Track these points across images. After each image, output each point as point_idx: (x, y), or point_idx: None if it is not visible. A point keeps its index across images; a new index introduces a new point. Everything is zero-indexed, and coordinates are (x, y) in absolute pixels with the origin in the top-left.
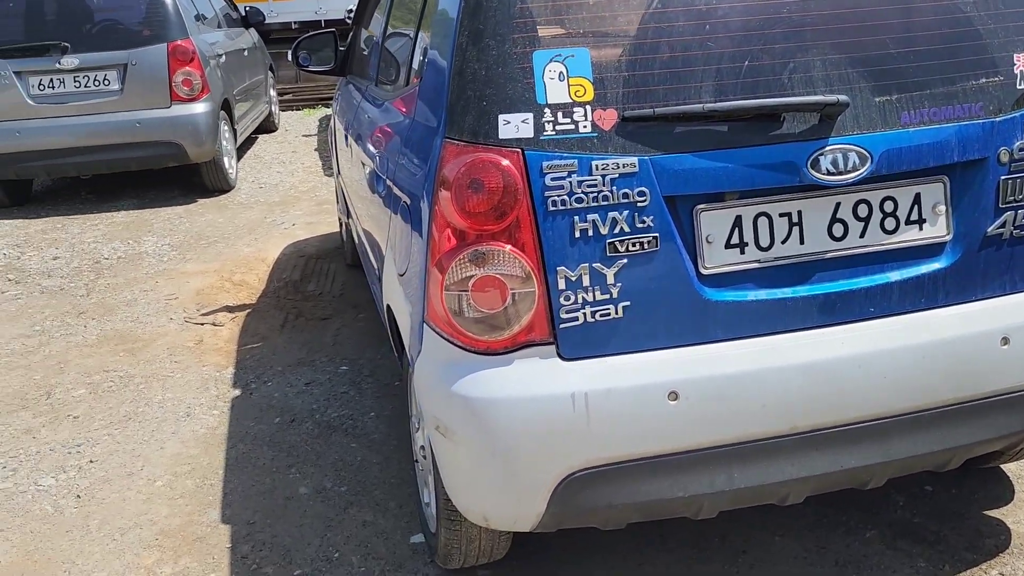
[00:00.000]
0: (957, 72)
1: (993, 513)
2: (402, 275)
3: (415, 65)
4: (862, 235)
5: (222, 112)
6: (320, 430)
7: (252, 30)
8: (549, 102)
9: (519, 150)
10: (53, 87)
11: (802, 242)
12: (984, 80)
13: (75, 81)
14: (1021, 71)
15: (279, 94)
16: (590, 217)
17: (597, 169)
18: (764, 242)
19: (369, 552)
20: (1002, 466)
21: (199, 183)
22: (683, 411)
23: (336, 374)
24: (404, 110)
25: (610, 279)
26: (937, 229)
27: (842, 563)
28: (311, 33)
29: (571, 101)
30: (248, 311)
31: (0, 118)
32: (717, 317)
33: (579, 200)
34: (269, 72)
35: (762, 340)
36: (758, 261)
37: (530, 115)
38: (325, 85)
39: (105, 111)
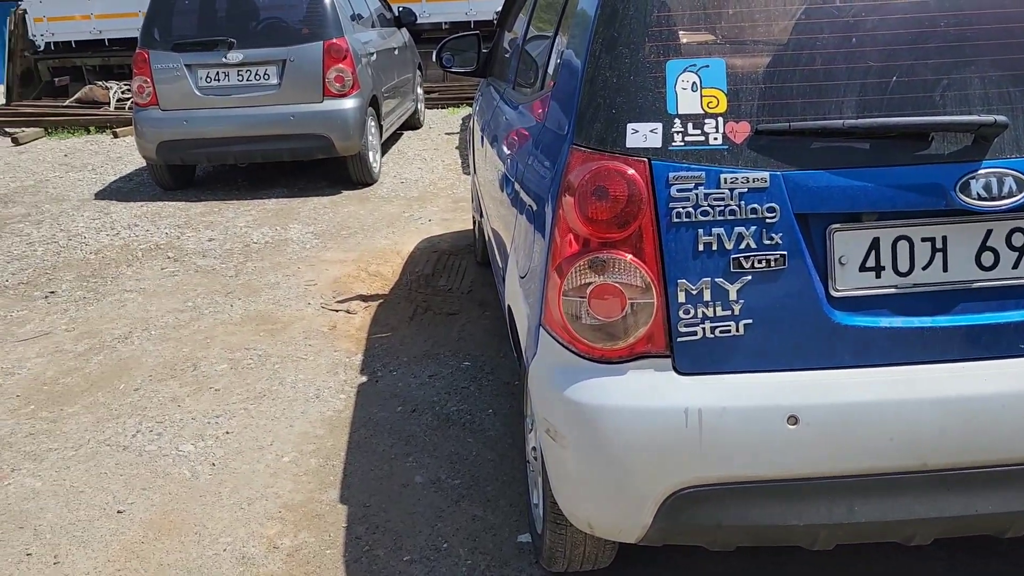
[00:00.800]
0: None
1: None
2: (523, 277)
3: (550, 70)
4: (1015, 266)
5: (370, 108)
6: (439, 422)
7: (404, 30)
8: (680, 112)
9: (646, 160)
10: (219, 80)
11: (945, 269)
12: None
13: (238, 75)
14: None
15: (426, 92)
16: (715, 231)
17: (725, 183)
18: (903, 267)
19: (476, 546)
20: None
21: (345, 176)
22: (802, 437)
23: (458, 369)
24: (537, 114)
25: (732, 295)
26: None
27: None
28: (456, 35)
29: (703, 112)
30: (380, 301)
31: (171, 107)
32: (846, 342)
33: (705, 213)
34: (417, 71)
35: (894, 369)
36: (895, 286)
37: (659, 125)
38: (470, 85)
39: (264, 104)
